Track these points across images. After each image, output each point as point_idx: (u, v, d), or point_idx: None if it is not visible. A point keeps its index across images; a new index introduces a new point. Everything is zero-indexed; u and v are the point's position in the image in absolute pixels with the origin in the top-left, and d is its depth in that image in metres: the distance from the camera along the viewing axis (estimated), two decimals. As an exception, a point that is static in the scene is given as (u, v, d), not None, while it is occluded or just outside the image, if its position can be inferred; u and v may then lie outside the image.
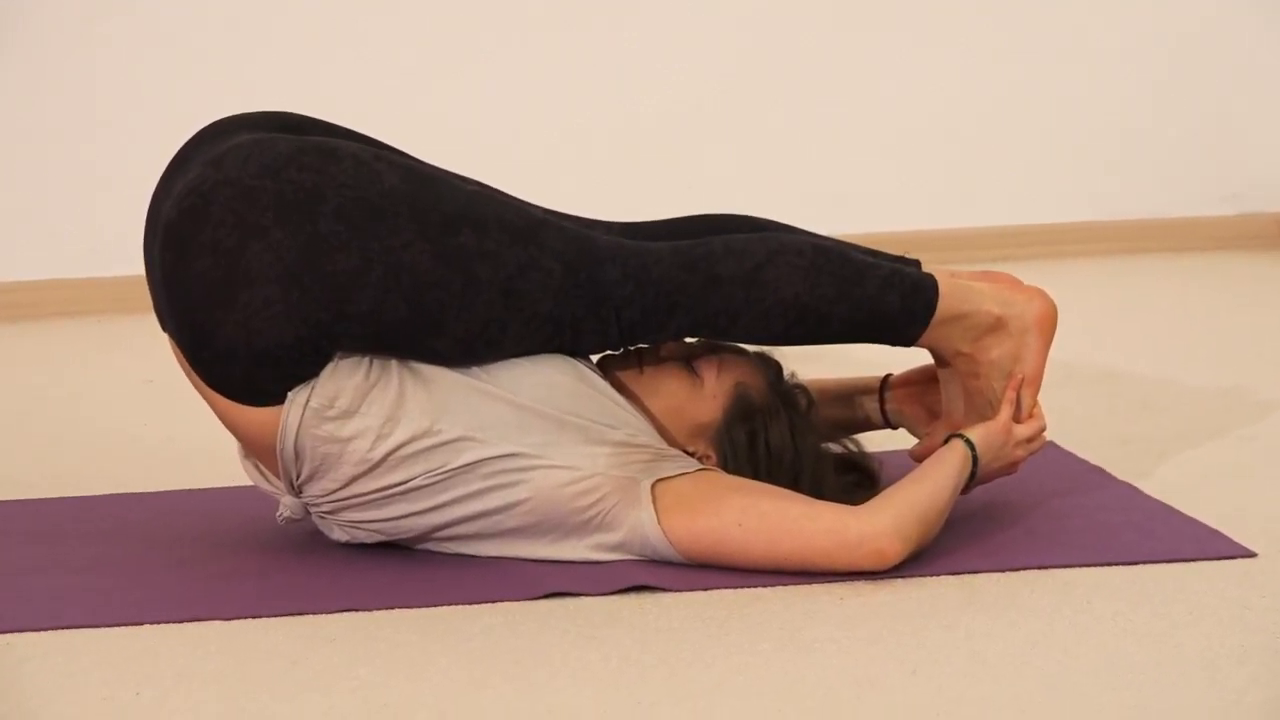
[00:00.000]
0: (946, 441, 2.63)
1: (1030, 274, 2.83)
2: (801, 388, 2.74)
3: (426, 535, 2.60)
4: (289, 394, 2.51)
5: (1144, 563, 2.56)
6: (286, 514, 2.62)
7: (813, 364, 2.83)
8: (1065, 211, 5.35)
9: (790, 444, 2.66)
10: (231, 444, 2.67)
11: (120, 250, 4.58)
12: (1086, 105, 5.31)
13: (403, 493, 2.54)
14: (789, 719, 2.08)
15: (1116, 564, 2.55)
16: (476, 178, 2.70)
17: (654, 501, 2.52)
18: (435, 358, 2.55)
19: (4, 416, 3.75)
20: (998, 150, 5.32)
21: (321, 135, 2.61)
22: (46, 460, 3.32)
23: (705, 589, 2.48)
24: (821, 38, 5.20)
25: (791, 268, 2.59)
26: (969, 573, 2.53)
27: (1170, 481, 2.94)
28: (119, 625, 2.41)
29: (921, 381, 2.86)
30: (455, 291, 2.51)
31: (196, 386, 2.56)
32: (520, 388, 2.56)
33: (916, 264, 2.75)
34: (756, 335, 2.62)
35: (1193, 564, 2.55)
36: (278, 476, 2.59)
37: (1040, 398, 2.73)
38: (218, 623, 2.42)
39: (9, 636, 2.39)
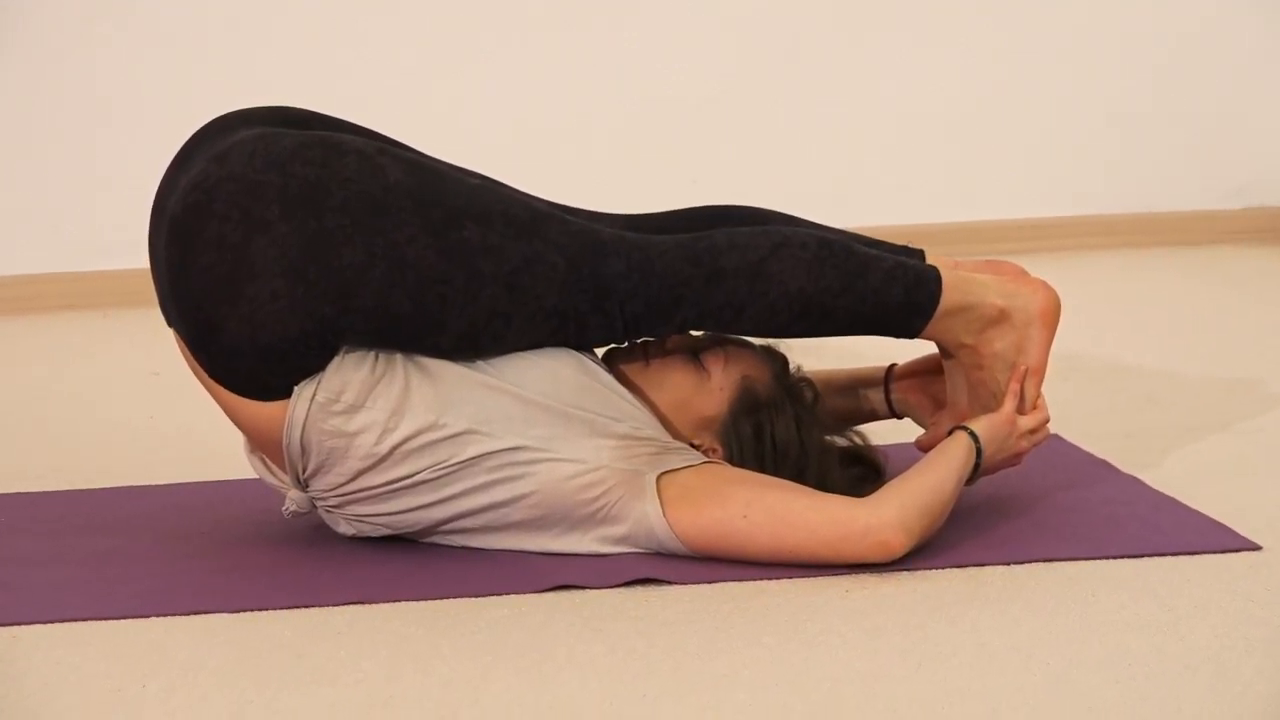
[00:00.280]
0: (950, 434, 2.63)
1: (1034, 268, 2.82)
2: (807, 381, 2.73)
3: (432, 529, 2.59)
4: (295, 388, 2.51)
5: (1149, 556, 2.55)
6: (293, 508, 2.62)
7: (816, 356, 2.82)
8: (1068, 206, 5.35)
9: (796, 437, 2.65)
10: (238, 437, 2.67)
11: (122, 244, 4.59)
12: (1089, 100, 5.31)
13: (409, 486, 2.54)
14: (794, 712, 2.08)
15: (1121, 557, 2.55)
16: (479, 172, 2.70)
17: (659, 494, 2.51)
18: (440, 352, 2.54)
19: (11, 409, 3.75)
20: (1000, 145, 5.31)
21: (325, 130, 2.61)
22: (53, 453, 3.31)
23: (710, 582, 2.48)
24: (822, 35, 5.19)
25: (795, 260, 2.59)
26: (974, 565, 2.52)
27: (1175, 475, 2.93)
28: (126, 618, 2.42)
29: (926, 372, 2.86)
30: (459, 286, 2.51)
31: (202, 381, 2.56)
32: (525, 381, 2.55)
33: (921, 255, 2.75)
34: (761, 328, 2.62)
35: (1198, 557, 2.55)
36: (284, 470, 2.59)
37: (1044, 390, 2.72)
38: (224, 615, 2.42)
39: (16, 629, 2.39)
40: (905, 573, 2.49)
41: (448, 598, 2.46)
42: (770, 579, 2.48)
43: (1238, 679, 2.13)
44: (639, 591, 2.46)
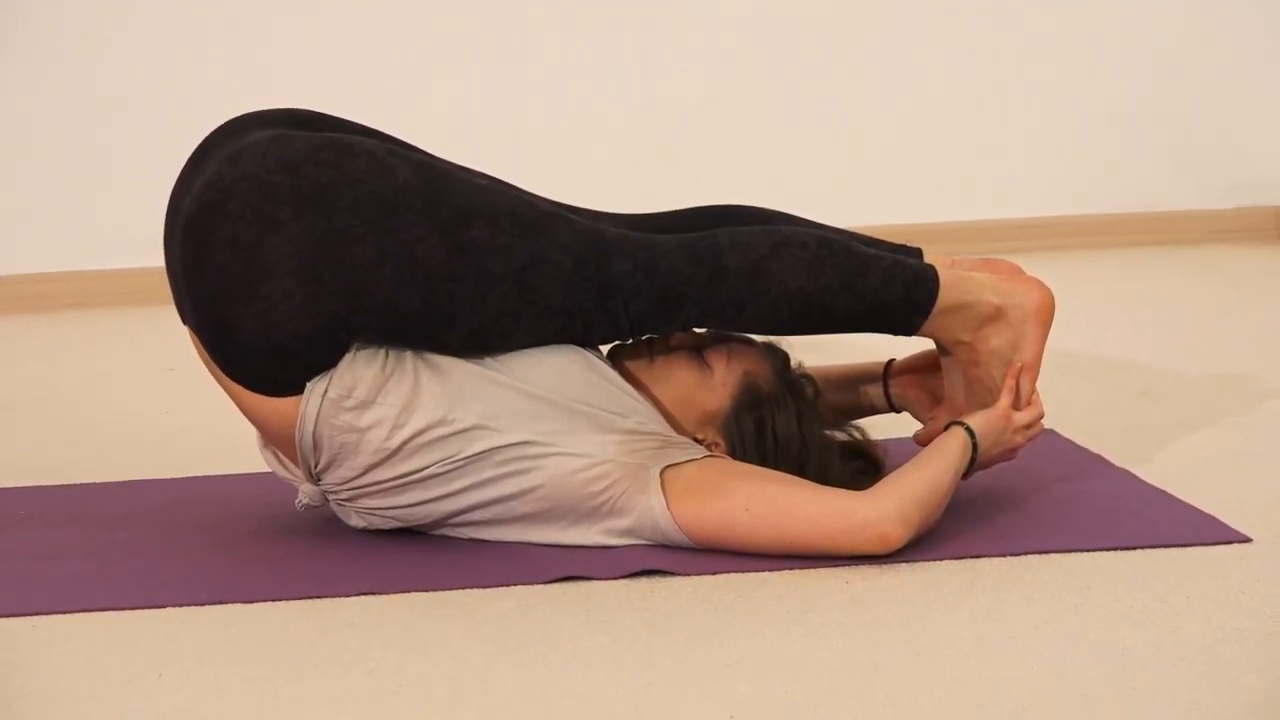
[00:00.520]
0: (947, 429, 2.64)
1: (1031, 267, 2.82)
2: (808, 377, 2.74)
3: (442, 521, 2.60)
4: (307, 385, 2.51)
5: (1142, 548, 2.55)
6: (305, 501, 2.62)
7: (816, 352, 2.83)
8: (1064, 205, 5.34)
9: (797, 432, 2.66)
10: (252, 432, 2.68)
11: (131, 243, 4.59)
12: (1085, 100, 5.30)
13: (418, 480, 2.54)
14: (795, 700, 2.08)
15: (1115, 549, 2.55)
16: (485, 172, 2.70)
17: (663, 487, 2.52)
18: (449, 349, 2.55)
19: (29, 405, 3.75)
20: (997, 144, 5.30)
21: (337, 131, 2.61)
22: (71, 448, 3.32)
23: (713, 573, 2.48)
24: (822, 35, 5.17)
25: (796, 260, 2.59)
26: (971, 557, 2.53)
27: (1168, 469, 2.93)
28: (142, 608, 2.42)
29: (924, 367, 2.87)
30: (468, 284, 2.51)
31: (216, 377, 2.56)
32: (532, 377, 2.56)
33: (918, 253, 2.75)
34: (762, 325, 2.62)
35: (1190, 549, 2.55)
36: (297, 465, 2.60)
37: (1039, 386, 2.73)
38: (238, 606, 2.42)
39: (35, 619, 2.39)
40: (904, 564, 2.50)
41: (457, 588, 2.46)
42: (772, 570, 2.48)
43: (1230, 668, 2.13)
44: (643, 582, 2.46)
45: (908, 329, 2.67)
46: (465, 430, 2.51)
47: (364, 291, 2.48)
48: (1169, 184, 5.37)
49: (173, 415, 3.55)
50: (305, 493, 2.61)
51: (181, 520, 2.78)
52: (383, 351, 2.53)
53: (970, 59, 5.26)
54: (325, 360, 2.51)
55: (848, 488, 2.56)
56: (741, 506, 2.50)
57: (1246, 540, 2.56)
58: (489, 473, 2.53)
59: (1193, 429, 3.20)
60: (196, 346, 2.58)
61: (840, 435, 2.74)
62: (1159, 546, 2.55)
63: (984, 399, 2.71)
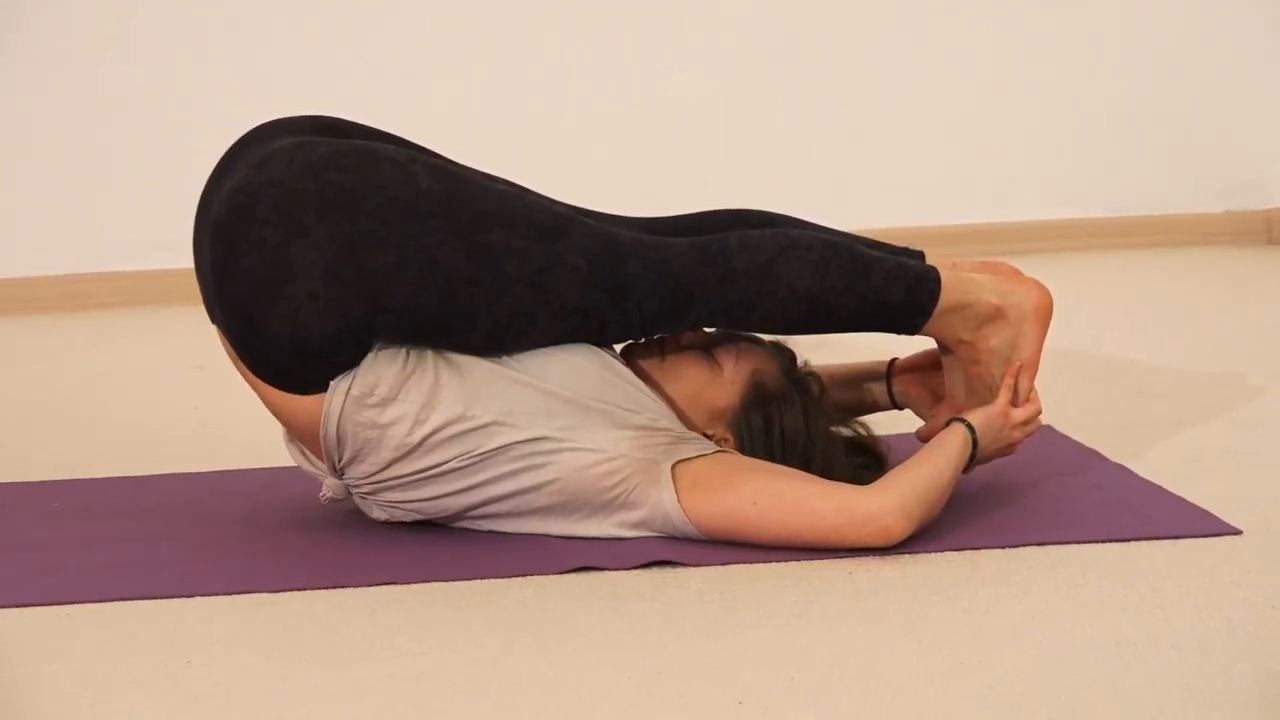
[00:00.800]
0: (948, 425, 2.64)
1: (1029, 268, 2.83)
2: (814, 375, 2.74)
3: (461, 514, 2.60)
4: (331, 383, 2.52)
5: (1136, 540, 2.55)
6: (329, 494, 2.63)
7: (820, 351, 2.83)
8: (1063, 208, 5.32)
9: (803, 428, 2.66)
10: (277, 428, 2.68)
11: (124, 245, 4.56)
12: (1085, 100, 5.27)
13: (438, 474, 2.55)
14: (801, 687, 2.09)
15: (1110, 541, 2.55)
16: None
17: (674, 481, 2.52)
18: (468, 348, 2.56)
19: (63, 402, 3.76)
20: (997, 145, 5.27)
21: (360, 138, 2.62)
22: (102, 442, 3.33)
23: (722, 564, 2.48)
24: (822, 35, 5.13)
25: (802, 262, 2.60)
26: (971, 549, 2.53)
27: (1162, 464, 2.93)
28: (171, 597, 2.43)
29: (925, 366, 2.87)
30: (486, 286, 2.52)
31: (243, 375, 2.57)
32: (548, 375, 2.56)
33: (921, 255, 2.76)
34: (770, 325, 2.63)
35: (1182, 541, 2.55)
36: (321, 460, 2.60)
37: (1037, 383, 2.73)
38: (264, 595, 2.43)
39: (68, 607, 2.40)
40: (906, 556, 2.50)
41: (475, 578, 2.46)
42: (778, 562, 2.49)
43: (1220, 657, 2.13)
44: (655, 573, 2.47)
45: (910, 328, 2.67)
46: (484, 426, 2.52)
47: (386, 293, 2.49)
48: (1168, 185, 5.34)
49: (201, 411, 3.56)
50: (329, 486, 2.62)
51: (210, 513, 2.79)
52: (404, 351, 2.54)
53: (970, 59, 5.21)
54: (348, 359, 2.52)
55: (852, 483, 2.56)
56: (750, 500, 2.50)
57: (1237, 533, 2.57)
58: (506, 467, 2.54)
59: (1187, 426, 3.20)
60: (224, 346, 2.58)
61: (845, 431, 2.74)
62: (1153, 539, 2.55)
63: (984, 396, 2.71)
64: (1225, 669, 2.10)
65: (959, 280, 2.67)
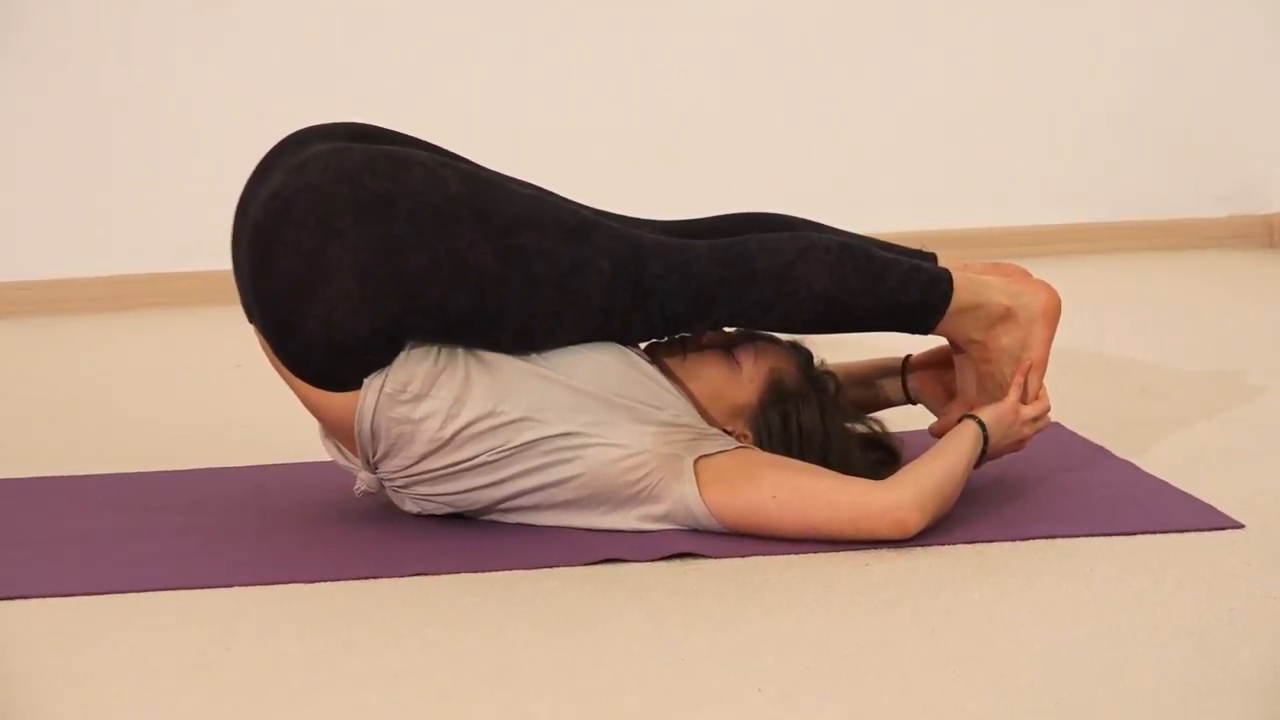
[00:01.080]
0: (960, 421, 2.64)
1: (1034, 269, 2.82)
2: (830, 373, 2.75)
3: (490, 507, 2.61)
4: (366, 380, 2.53)
5: (1141, 533, 2.55)
6: (363, 488, 2.64)
7: (836, 350, 2.83)
8: (1063, 211, 5.27)
9: (820, 425, 2.67)
10: (314, 424, 2.69)
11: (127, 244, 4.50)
12: (1085, 102, 5.22)
13: (469, 468, 2.56)
14: (817, 674, 2.09)
15: (1116, 534, 2.55)
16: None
17: (696, 476, 2.53)
18: (498, 346, 2.56)
19: (106, 399, 3.76)
20: (997, 146, 5.21)
21: (392, 144, 2.63)
22: (144, 437, 3.33)
23: (742, 556, 2.49)
24: (823, 37, 5.06)
25: (820, 264, 2.60)
26: (982, 542, 2.53)
27: (1166, 460, 2.93)
28: (211, 587, 2.44)
29: (939, 364, 2.87)
30: (516, 287, 2.52)
31: (280, 373, 2.58)
32: (575, 372, 2.57)
33: (933, 257, 2.76)
34: (788, 325, 2.63)
35: (1186, 535, 2.55)
36: (355, 454, 2.61)
37: (1046, 381, 2.73)
38: (301, 585, 2.43)
39: (116, 596, 2.41)
40: (920, 548, 2.50)
41: (504, 569, 2.47)
42: (796, 554, 2.49)
43: (1222, 647, 2.13)
44: (677, 565, 2.47)
45: (924, 329, 2.67)
46: (513, 421, 2.53)
47: (418, 294, 2.49)
48: (1168, 188, 5.30)
49: (240, 408, 3.56)
50: (363, 480, 2.63)
51: (248, 505, 2.79)
52: (435, 349, 2.55)
53: (970, 60, 5.14)
54: (382, 357, 2.52)
55: (868, 477, 2.56)
56: (769, 494, 2.50)
57: (1239, 527, 2.56)
58: (535, 461, 2.54)
59: (1190, 423, 3.19)
60: (262, 344, 2.59)
61: (860, 428, 2.74)
62: (1157, 532, 2.55)
63: (994, 394, 2.72)
64: (1226, 659, 2.10)
65: (971, 282, 2.68)
